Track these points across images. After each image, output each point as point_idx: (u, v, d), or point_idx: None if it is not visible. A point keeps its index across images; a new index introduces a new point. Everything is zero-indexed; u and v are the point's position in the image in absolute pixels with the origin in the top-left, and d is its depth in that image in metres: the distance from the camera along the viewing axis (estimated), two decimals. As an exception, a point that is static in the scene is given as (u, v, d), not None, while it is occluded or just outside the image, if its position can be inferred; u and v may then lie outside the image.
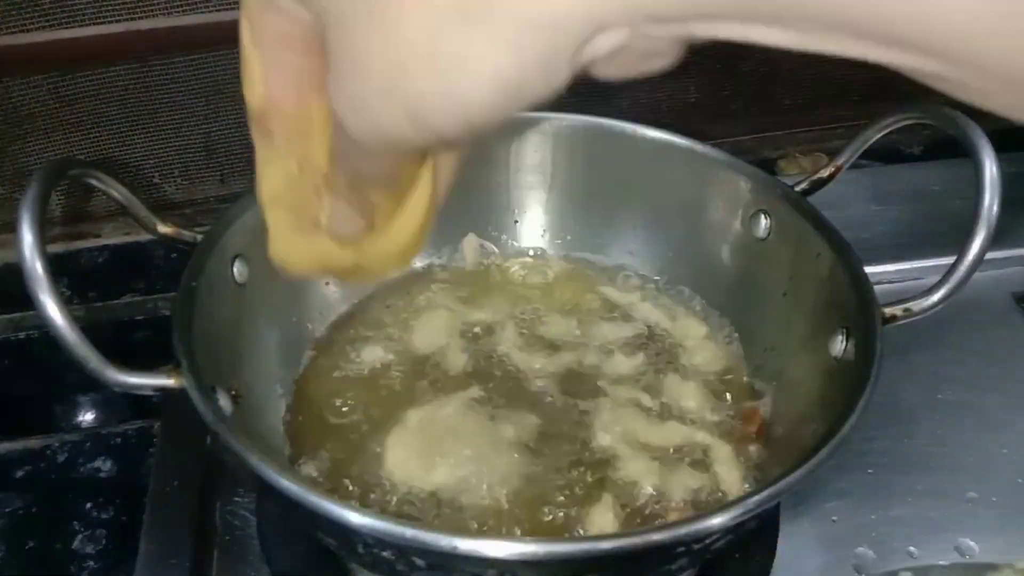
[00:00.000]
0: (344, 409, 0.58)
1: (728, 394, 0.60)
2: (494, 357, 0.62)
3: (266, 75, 0.34)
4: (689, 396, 0.60)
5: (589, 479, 0.54)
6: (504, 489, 0.53)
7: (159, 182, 0.83)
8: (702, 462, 0.56)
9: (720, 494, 0.54)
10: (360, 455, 0.55)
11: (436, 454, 0.55)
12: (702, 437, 0.57)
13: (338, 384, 0.60)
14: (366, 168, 0.34)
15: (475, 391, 0.59)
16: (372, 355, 0.62)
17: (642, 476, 0.54)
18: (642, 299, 0.67)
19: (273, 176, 0.38)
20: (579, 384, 0.60)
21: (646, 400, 0.59)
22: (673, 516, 0.52)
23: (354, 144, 0.31)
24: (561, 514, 0.52)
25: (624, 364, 0.62)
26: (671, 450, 0.56)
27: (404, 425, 0.56)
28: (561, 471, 0.55)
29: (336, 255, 0.40)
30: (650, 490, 0.54)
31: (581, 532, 0.51)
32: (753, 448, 0.57)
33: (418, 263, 0.68)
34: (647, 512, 0.53)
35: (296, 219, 0.39)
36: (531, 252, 0.70)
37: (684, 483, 0.54)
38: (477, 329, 0.64)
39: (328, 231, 0.39)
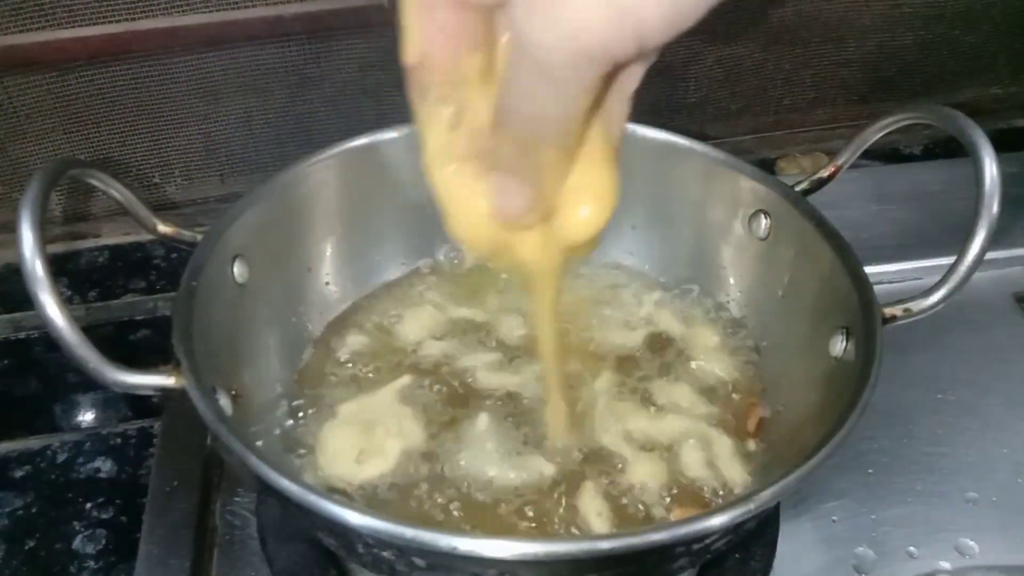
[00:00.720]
0: (312, 410, 0.58)
1: (731, 394, 0.60)
2: (466, 358, 0.61)
3: (421, 32, 0.36)
4: (688, 394, 0.59)
5: (549, 474, 0.54)
6: (441, 485, 0.53)
7: (159, 182, 0.83)
8: (705, 458, 0.56)
9: (726, 489, 0.54)
10: (307, 449, 0.56)
11: (366, 447, 0.55)
12: (702, 431, 0.57)
13: (328, 381, 0.60)
14: (541, 115, 0.34)
15: (406, 380, 0.59)
16: (356, 350, 0.62)
17: (633, 472, 0.54)
18: (650, 300, 0.66)
19: (434, 135, 0.39)
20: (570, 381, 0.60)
21: (643, 396, 0.59)
22: (677, 513, 0.52)
23: (532, 82, 0.31)
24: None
25: (621, 362, 0.62)
26: (670, 445, 0.56)
27: (336, 418, 0.57)
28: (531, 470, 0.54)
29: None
30: (638, 484, 0.54)
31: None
32: (753, 444, 0.57)
33: (418, 264, 0.68)
34: (628, 508, 0.53)
35: (463, 178, 0.40)
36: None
37: (682, 477, 0.54)
38: (469, 330, 0.64)
39: (495, 212, 0.40)
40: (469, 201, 0.40)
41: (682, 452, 0.56)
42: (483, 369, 0.60)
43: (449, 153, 0.40)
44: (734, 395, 0.60)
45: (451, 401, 0.58)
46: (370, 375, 0.60)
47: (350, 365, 0.61)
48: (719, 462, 0.55)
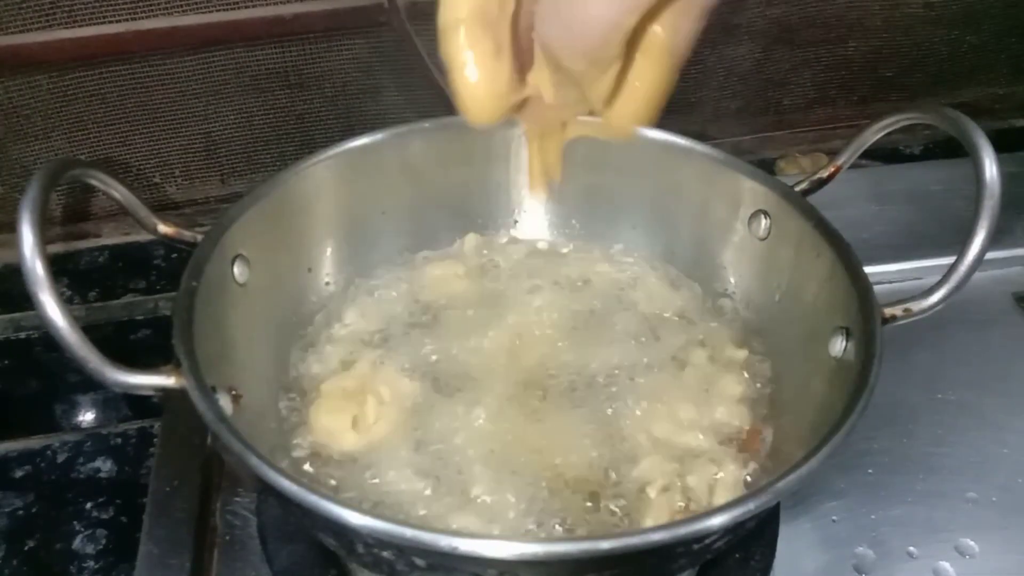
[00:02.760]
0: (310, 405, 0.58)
1: (732, 397, 0.59)
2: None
3: None
4: (688, 403, 0.58)
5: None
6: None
7: (159, 182, 0.83)
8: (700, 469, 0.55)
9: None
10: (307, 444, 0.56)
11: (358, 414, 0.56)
12: (701, 445, 0.56)
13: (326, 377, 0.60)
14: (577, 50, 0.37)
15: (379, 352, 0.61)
16: (352, 344, 0.62)
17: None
18: (648, 300, 0.66)
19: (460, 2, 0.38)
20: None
21: (640, 400, 0.59)
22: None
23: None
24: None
25: (623, 356, 0.61)
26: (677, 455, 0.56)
27: (319, 400, 0.57)
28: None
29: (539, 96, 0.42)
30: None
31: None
32: (753, 460, 0.56)
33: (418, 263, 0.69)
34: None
35: (486, 42, 0.38)
36: (531, 251, 0.70)
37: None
38: (470, 334, 0.63)
39: (551, 104, 0.42)
40: (488, 71, 0.39)
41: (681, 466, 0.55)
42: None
43: (477, 19, 0.38)
44: (735, 395, 0.60)
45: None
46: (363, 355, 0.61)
47: (348, 356, 0.61)
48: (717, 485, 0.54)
